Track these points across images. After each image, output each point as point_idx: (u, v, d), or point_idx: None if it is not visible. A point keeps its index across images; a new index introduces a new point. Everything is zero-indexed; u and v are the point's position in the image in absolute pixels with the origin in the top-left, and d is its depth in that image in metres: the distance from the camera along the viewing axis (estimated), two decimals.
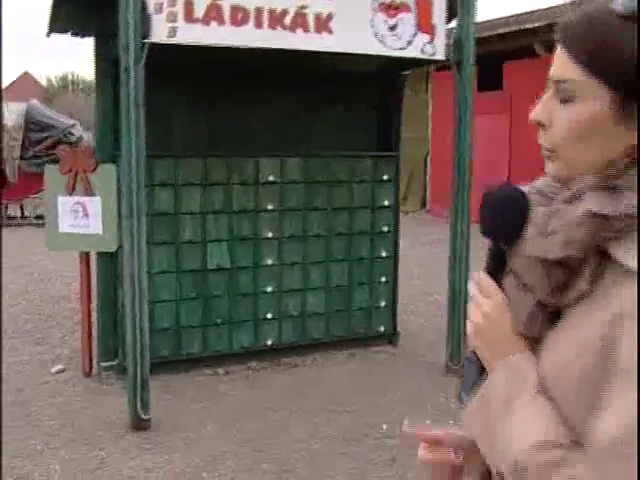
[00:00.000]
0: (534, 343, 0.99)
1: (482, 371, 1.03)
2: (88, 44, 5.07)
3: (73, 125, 13.00)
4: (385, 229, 5.86)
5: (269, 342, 5.54)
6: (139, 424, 4.31)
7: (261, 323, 5.51)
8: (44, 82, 41.94)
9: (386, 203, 5.84)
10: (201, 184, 5.19)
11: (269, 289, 5.48)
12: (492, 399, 0.97)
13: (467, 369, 1.07)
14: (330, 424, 4.50)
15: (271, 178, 5.38)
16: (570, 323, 0.94)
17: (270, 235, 5.44)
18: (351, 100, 5.86)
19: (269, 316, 5.51)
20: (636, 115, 0.87)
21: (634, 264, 0.86)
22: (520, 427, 0.92)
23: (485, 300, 1.01)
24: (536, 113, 0.96)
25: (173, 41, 4.13)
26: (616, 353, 0.85)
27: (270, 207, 5.41)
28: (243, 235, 5.36)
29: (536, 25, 10.63)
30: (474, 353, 1.05)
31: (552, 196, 0.98)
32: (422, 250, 10.51)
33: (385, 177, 5.79)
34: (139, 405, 4.29)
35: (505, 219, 0.98)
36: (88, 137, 12.34)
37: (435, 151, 14.54)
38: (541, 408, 0.92)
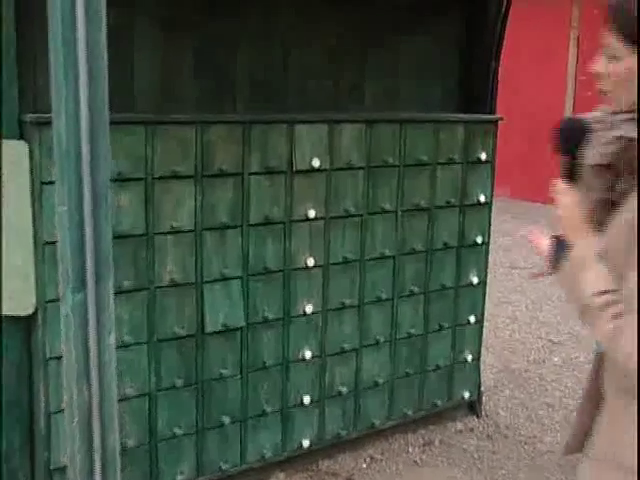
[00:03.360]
0: (601, 227, 1.38)
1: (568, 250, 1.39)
2: None
3: None
4: (479, 240, 3.60)
5: (305, 442, 3.22)
6: None
7: (293, 413, 3.18)
8: None
9: (482, 199, 3.56)
10: (194, 176, 2.76)
11: (307, 354, 3.14)
12: (573, 263, 1.38)
13: (556, 248, 1.46)
14: None
15: (315, 163, 2.99)
16: (618, 212, 1.34)
17: (311, 262, 3.07)
18: (426, 30, 3.47)
19: (306, 400, 3.18)
20: None
21: None
22: (588, 280, 1.33)
23: (561, 198, 1.41)
24: (596, 67, 1.30)
25: None
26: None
27: (312, 214, 3.03)
28: (266, 266, 2.97)
29: None
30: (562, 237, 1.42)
31: (605, 123, 1.38)
32: None
33: (482, 156, 3.51)
34: None
35: (571, 139, 1.38)
36: None
37: None
38: (602, 268, 1.33)
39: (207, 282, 2.85)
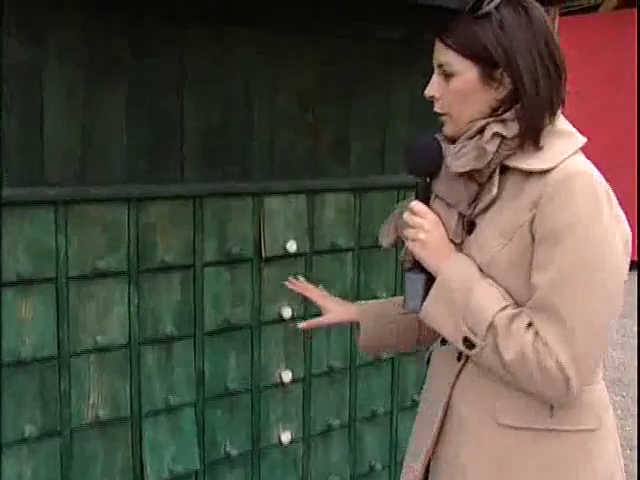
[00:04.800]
0: (459, 247, 1.35)
1: (429, 279, 1.34)
2: None
3: None
4: None
5: None
6: None
7: None
8: None
9: None
10: (126, 272, 2.00)
11: None
12: (452, 287, 1.30)
13: (412, 282, 1.38)
14: None
15: (291, 247, 2.26)
16: (485, 225, 1.31)
17: (287, 377, 2.32)
18: (425, 69, 2.78)
19: None
20: (495, 77, 1.30)
21: (534, 166, 1.27)
22: (484, 300, 1.26)
23: (423, 220, 1.34)
24: (429, 90, 1.35)
25: None
26: (538, 227, 1.25)
27: (287, 313, 2.29)
28: (228, 386, 2.21)
29: None
30: (418, 268, 1.36)
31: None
32: None
33: None
34: None
35: (428, 157, 1.36)
36: None
37: None
38: (491, 285, 1.28)
39: (147, 415, 2.08)
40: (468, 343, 1.29)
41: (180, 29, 2.18)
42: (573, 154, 1.29)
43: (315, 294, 1.77)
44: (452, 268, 1.32)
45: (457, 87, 1.31)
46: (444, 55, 1.32)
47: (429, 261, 1.34)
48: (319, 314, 2.30)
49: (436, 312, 1.33)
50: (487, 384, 1.34)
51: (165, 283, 2.06)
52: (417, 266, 1.37)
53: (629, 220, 1.35)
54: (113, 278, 1.98)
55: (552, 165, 1.26)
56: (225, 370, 2.21)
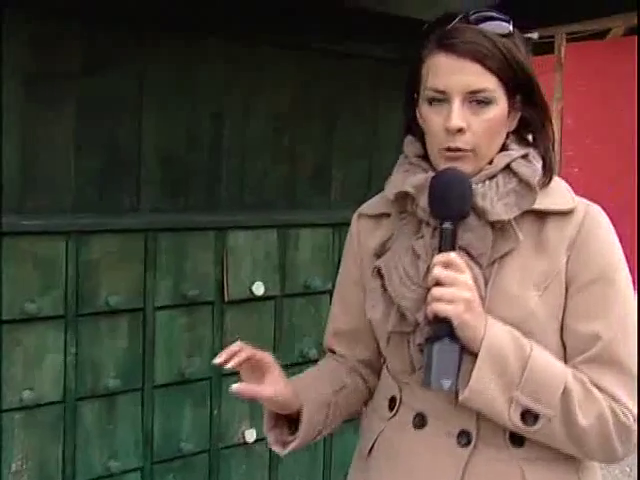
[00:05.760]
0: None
1: (462, 350, 1.08)
2: None
3: None
4: None
5: None
6: None
7: None
8: None
9: None
10: (63, 316, 1.73)
11: None
12: (505, 353, 1.08)
13: (445, 354, 1.07)
14: None
15: (258, 289, 2.00)
16: (504, 277, 1.12)
17: (251, 436, 2.05)
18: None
19: None
20: (515, 106, 1.14)
21: (555, 207, 1.14)
22: (545, 363, 1.09)
23: (464, 276, 1.07)
24: (459, 121, 1.09)
25: None
26: (578, 272, 1.12)
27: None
28: (181, 447, 1.94)
29: None
30: (446, 335, 1.07)
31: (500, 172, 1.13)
32: None
33: None
34: None
35: (464, 197, 1.09)
36: None
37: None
38: (537, 344, 1.11)
39: None
40: (529, 416, 1.10)
41: (139, 38, 1.94)
42: None
43: (260, 356, 1.16)
44: (497, 331, 1.10)
45: (494, 117, 1.11)
46: (486, 80, 1.10)
47: (474, 324, 1.09)
48: (295, 363, 2.06)
49: (487, 385, 1.10)
50: (509, 465, 1.15)
51: (108, 329, 1.79)
52: (444, 334, 1.08)
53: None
54: (46, 323, 1.71)
55: (573, 205, 1.15)
56: (178, 429, 1.93)
